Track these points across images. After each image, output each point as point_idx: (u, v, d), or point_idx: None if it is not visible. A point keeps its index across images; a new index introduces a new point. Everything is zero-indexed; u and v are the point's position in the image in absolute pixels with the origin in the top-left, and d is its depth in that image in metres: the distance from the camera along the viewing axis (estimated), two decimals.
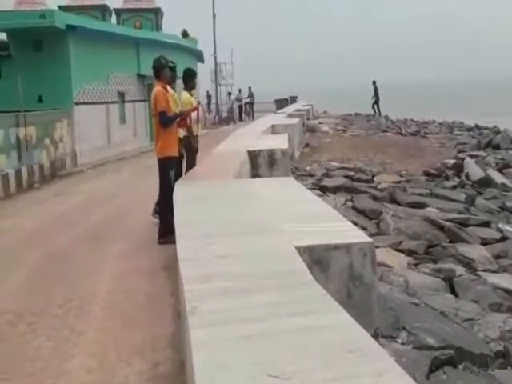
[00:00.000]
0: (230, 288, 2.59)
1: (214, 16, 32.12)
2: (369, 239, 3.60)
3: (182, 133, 6.84)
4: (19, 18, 13.84)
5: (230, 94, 32.10)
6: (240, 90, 32.96)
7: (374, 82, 28.33)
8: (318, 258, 3.41)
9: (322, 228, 3.80)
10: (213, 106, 34.19)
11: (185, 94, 7.09)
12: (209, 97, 32.87)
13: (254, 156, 8.17)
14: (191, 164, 7.02)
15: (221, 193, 5.18)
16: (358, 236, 3.65)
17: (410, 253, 6.94)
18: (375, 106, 28.98)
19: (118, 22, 24.36)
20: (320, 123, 23.24)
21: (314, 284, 2.61)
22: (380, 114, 29.09)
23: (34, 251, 6.49)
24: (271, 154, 8.22)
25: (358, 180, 11.70)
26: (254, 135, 11.08)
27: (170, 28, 29.04)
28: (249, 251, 3.22)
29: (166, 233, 6.23)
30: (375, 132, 21.88)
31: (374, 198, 9.87)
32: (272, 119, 16.55)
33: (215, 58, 32.77)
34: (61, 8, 22.08)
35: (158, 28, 24.94)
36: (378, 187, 11.07)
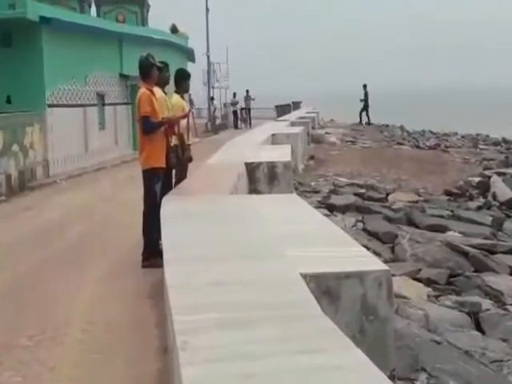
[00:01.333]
0: (226, 320, 2.59)
1: (208, 10, 32.47)
2: (385, 267, 3.61)
3: (174, 141, 6.87)
4: None
5: (212, 98, 31.98)
6: (235, 94, 33.11)
7: (365, 86, 28.33)
8: (326, 288, 3.42)
9: (331, 253, 3.82)
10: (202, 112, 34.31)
11: (176, 98, 7.13)
12: (190, 101, 32.90)
13: (252, 169, 8.20)
14: (181, 176, 7.05)
15: (215, 210, 5.19)
16: (373, 263, 3.66)
17: (429, 282, 6.94)
18: (363, 113, 28.89)
19: (98, 15, 24.54)
20: (327, 133, 23.37)
21: (323, 317, 2.61)
22: (369, 123, 29.08)
23: (1, 273, 6.47)
24: (272, 166, 8.26)
25: (370, 198, 11.73)
26: (251, 145, 11.13)
27: (157, 22, 29.27)
28: (247, 278, 3.22)
29: (152, 255, 6.22)
30: (389, 144, 22.00)
31: (388, 219, 9.89)
32: (272, 127, 16.63)
33: (208, 56, 32.98)
34: None
35: (144, 22, 25.14)
36: (393, 207, 11.10)
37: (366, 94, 28.04)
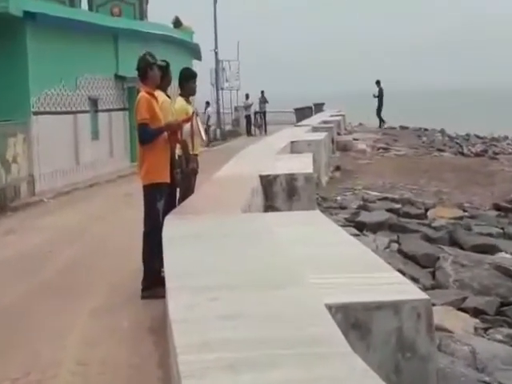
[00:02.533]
0: (239, 360, 2.59)
1: (215, 0, 32.79)
2: (424, 295, 3.60)
3: (179, 151, 6.88)
4: None
5: (208, 103, 31.59)
6: (247, 96, 33.32)
7: (378, 83, 28.23)
8: (355, 321, 3.40)
9: (361, 279, 3.81)
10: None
11: (180, 102, 7.18)
12: None
13: (267, 183, 8.22)
14: (186, 192, 7.07)
15: (225, 231, 5.20)
16: (410, 291, 3.64)
17: (476, 313, 6.89)
18: (379, 114, 28.89)
19: (90, 9, 24.84)
20: (354, 139, 23.38)
21: (352, 355, 2.61)
22: (382, 124, 28.96)
23: None
24: (291, 179, 8.28)
25: (406, 215, 11.69)
26: (267, 155, 11.17)
27: (159, 15, 29.56)
28: (262, 310, 3.23)
29: (152, 284, 6.24)
30: (428, 151, 21.96)
31: (428, 238, 9.85)
32: (291, 134, 16.68)
33: (216, 53, 33.27)
34: None
35: (143, 16, 25.42)
36: (433, 225, 11.05)
37: (380, 91, 27.98)
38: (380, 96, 28.09)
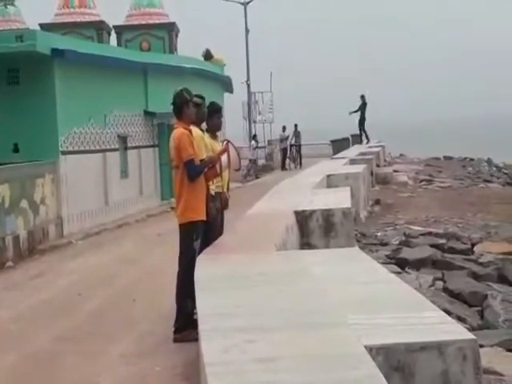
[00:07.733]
0: None
1: (247, 31, 33.26)
2: (470, 335, 3.55)
3: (214, 188, 6.89)
4: None
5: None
6: (284, 128, 33.52)
7: (363, 97, 27.50)
8: (397, 363, 3.38)
9: (403, 320, 3.79)
10: None
11: (206, 138, 7.20)
12: None
13: (303, 219, 8.23)
14: (215, 232, 7.08)
15: (259, 271, 5.22)
16: (455, 331, 3.61)
17: None
18: (362, 128, 28.04)
19: (119, 44, 25.43)
20: (395, 171, 23.31)
21: None
22: (367, 140, 28.15)
23: (7, 353, 6.64)
24: (327, 215, 8.28)
25: (451, 250, 11.58)
26: (302, 189, 11.19)
27: (189, 48, 30.04)
28: (300, 353, 3.23)
29: (185, 326, 6.27)
30: (474, 182, 21.78)
31: (475, 275, 9.73)
32: (327, 167, 16.68)
33: (248, 85, 33.60)
34: (43, 27, 23.29)
35: (172, 49, 25.88)
36: (480, 260, 10.92)
37: (362, 106, 27.03)
38: (362, 109, 26.88)
